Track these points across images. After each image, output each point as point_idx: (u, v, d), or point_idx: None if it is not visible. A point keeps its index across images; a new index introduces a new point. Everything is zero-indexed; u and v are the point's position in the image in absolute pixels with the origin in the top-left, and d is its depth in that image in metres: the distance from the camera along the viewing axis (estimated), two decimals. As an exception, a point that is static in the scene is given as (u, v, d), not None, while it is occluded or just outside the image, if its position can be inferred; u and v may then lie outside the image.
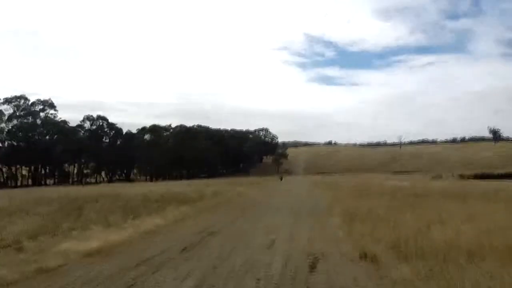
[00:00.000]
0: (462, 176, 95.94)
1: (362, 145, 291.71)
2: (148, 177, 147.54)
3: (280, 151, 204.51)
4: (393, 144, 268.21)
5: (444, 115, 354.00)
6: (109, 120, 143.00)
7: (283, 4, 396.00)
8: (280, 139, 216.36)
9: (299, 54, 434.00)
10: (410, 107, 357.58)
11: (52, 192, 41.30)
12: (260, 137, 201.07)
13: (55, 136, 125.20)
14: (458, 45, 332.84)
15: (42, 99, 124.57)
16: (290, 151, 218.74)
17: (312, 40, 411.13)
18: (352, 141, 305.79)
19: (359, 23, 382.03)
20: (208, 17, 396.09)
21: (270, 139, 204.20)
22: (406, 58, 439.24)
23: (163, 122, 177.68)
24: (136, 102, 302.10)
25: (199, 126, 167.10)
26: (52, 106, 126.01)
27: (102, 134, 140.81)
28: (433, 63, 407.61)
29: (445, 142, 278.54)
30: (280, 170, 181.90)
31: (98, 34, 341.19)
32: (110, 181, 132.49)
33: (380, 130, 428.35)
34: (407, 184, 49.99)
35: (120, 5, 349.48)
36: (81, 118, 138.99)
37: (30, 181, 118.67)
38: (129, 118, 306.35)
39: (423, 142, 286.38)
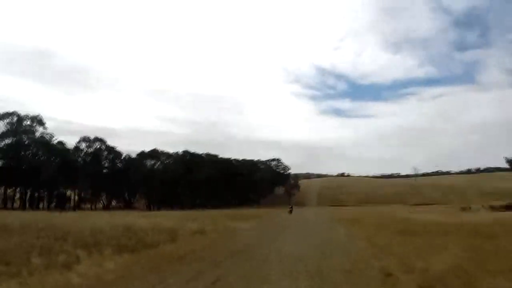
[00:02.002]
0: (493, 208, 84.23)
1: (375, 177, 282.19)
2: (150, 205, 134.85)
3: (292, 181, 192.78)
4: (407, 176, 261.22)
5: (456, 146, 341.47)
6: (107, 143, 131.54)
7: (294, 38, 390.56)
8: (292, 171, 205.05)
9: (311, 87, 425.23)
10: (421, 139, 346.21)
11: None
12: (272, 167, 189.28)
13: (52, 158, 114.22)
14: (467, 76, 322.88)
15: (30, 115, 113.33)
16: (302, 182, 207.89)
17: (324, 73, 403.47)
18: (365, 173, 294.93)
19: (369, 56, 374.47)
20: (222, 49, 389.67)
21: (282, 170, 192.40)
22: (416, 90, 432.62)
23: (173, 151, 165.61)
24: (148, 131, 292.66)
25: (207, 154, 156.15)
26: (41, 123, 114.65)
27: (99, 157, 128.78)
28: (443, 94, 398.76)
29: (460, 173, 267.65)
30: (292, 201, 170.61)
31: (114, 62, 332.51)
32: (106, 207, 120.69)
33: (392, 161, 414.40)
34: (441, 218, 42.44)
35: (135, 31, 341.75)
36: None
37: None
38: (141, 147, 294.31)
39: (437, 173, 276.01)
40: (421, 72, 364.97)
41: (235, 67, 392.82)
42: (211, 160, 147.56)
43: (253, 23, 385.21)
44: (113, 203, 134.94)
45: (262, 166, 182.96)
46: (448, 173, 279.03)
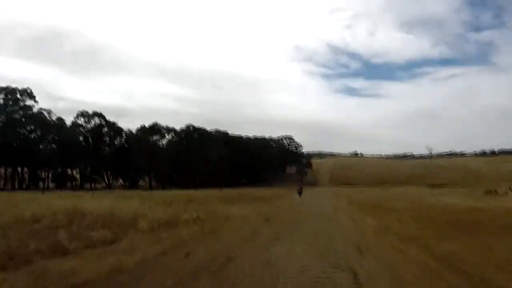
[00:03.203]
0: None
1: (388, 157, 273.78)
2: (152, 183, 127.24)
3: (304, 160, 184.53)
4: (421, 157, 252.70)
5: (469, 128, 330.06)
6: (108, 119, 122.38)
7: (306, 16, 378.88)
8: (305, 150, 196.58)
9: (324, 65, 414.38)
10: (434, 119, 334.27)
11: None
12: (284, 145, 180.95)
13: (50, 135, 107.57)
14: (481, 57, 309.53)
15: (20, 88, 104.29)
16: (314, 161, 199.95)
17: (336, 51, 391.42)
18: (377, 153, 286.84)
19: (382, 35, 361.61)
20: (235, 27, 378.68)
21: (294, 148, 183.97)
22: (430, 70, 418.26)
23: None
24: (161, 110, 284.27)
25: (216, 131, 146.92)
26: (31, 96, 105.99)
27: (99, 133, 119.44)
28: (457, 75, 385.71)
29: (475, 154, 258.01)
30: (303, 180, 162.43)
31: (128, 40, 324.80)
32: (109, 187, 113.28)
33: (405, 141, 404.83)
34: (474, 202, 35.39)
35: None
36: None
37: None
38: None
39: (451, 154, 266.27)
40: (435, 52, 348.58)
41: (247, 45, 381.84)
42: (219, 137, 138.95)
43: (268, 1, 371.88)
44: (120, 181, 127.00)
45: (274, 144, 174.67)
46: (462, 154, 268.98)
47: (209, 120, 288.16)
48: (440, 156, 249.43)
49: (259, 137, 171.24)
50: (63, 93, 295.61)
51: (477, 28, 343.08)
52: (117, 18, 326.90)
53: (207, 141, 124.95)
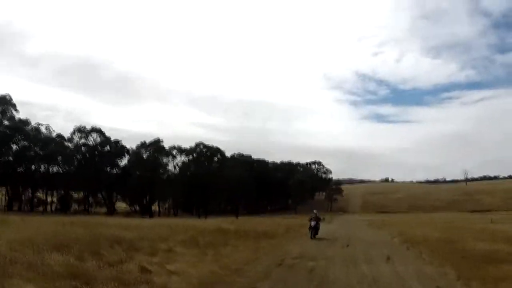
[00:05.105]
0: None
1: (419, 182, 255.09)
2: (170, 210, 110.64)
3: (333, 186, 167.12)
4: (453, 181, 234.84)
5: (501, 150, 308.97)
6: (107, 135, 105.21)
7: (334, 45, 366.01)
8: (334, 177, 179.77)
9: (352, 93, 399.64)
10: (465, 143, 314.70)
11: None
12: (312, 170, 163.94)
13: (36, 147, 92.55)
14: (509, 79, 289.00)
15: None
16: (344, 188, 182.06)
17: (364, 78, 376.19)
18: (409, 178, 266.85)
19: (409, 61, 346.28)
20: (266, 58, 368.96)
21: (323, 173, 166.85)
22: (458, 94, 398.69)
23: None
24: (192, 138, 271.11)
25: (239, 154, 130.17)
26: (11, 104, 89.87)
27: (96, 151, 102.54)
28: (486, 98, 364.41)
29: (510, 177, 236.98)
30: (331, 207, 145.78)
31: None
32: (110, 213, 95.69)
33: (436, 166, 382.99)
34: None
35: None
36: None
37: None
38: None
39: (486, 178, 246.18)
40: (462, 76, 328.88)
41: (278, 74, 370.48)
42: (242, 160, 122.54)
43: (295, 31, 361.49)
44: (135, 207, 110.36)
45: (301, 170, 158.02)
46: (496, 178, 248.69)
47: (239, 148, 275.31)
48: (474, 180, 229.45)
49: (286, 162, 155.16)
50: (96, 121, 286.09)
51: (504, 50, 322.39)
52: (149, 48, 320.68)
53: (223, 163, 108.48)
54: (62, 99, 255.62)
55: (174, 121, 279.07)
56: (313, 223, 28.16)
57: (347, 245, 22.65)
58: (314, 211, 30.05)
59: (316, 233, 27.97)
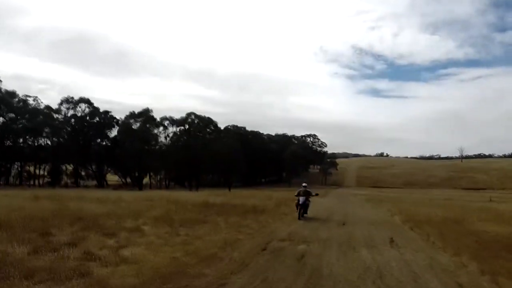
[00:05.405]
0: None
1: (414, 158, 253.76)
2: (163, 182, 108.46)
3: (328, 160, 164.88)
4: (447, 158, 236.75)
5: (497, 129, 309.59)
6: (96, 105, 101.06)
7: (331, 18, 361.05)
8: (329, 151, 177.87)
9: (348, 67, 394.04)
10: (460, 121, 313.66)
11: None
12: (307, 143, 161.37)
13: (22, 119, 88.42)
14: (507, 58, 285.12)
15: None
16: (339, 161, 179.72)
17: (361, 52, 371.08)
18: (403, 154, 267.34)
19: (406, 37, 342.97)
20: (261, 30, 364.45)
21: (318, 146, 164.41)
22: (455, 71, 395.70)
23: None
24: (187, 110, 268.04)
25: (234, 126, 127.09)
26: None
27: (86, 122, 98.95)
28: (483, 76, 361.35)
29: (504, 156, 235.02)
30: (328, 181, 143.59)
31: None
32: (100, 186, 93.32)
33: (431, 143, 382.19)
34: None
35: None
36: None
37: None
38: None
39: (480, 156, 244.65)
40: (460, 53, 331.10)
41: (273, 47, 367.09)
42: (235, 132, 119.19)
43: (292, 3, 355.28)
44: (127, 180, 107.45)
45: (296, 142, 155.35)
46: (490, 156, 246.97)
47: (234, 120, 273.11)
48: (469, 158, 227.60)
49: (281, 134, 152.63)
50: (91, 94, 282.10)
51: (503, 29, 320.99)
52: (143, 22, 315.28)
53: (216, 134, 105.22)
54: (57, 73, 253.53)
55: (170, 94, 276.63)
56: (301, 199, 22.55)
57: (343, 224, 19.93)
58: (303, 184, 24.42)
59: (305, 212, 22.77)
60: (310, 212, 23.55)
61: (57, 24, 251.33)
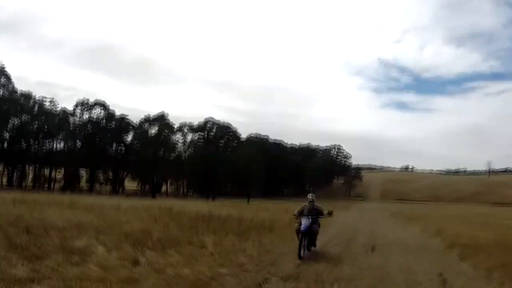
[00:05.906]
0: None
1: (440, 172, 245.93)
2: (180, 190, 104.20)
3: (353, 172, 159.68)
4: (474, 172, 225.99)
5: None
6: (112, 110, 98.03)
7: (357, 32, 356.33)
8: (354, 163, 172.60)
9: (374, 79, 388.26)
10: (487, 135, 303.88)
11: None
12: (331, 155, 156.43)
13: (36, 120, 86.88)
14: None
15: None
16: (364, 174, 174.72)
17: (386, 65, 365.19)
18: (429, 168, 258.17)
19: (431, 50, 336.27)
20: (288, 43, 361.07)
21: (342, 158, 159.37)
22: (481, 85, 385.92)
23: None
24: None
25: (256, 136, 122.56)
26: (2, 73, 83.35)
27: (102, 126, 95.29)
28: (509, 90, 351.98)
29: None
30: (352, 193, 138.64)
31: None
32: (115, 192, 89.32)
33: (457, 157, 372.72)
34: None
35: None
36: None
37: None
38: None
39: (507, 171, 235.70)
40: (485, 67, 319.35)
41: (299, 60, 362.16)
42: (257, 142, 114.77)
43: (317, 17, 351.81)
44: (145, 187, 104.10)
45: (320, 154, 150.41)
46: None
47: (258, 131, 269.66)
48: (496, 173, 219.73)
49: (304, 145, 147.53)
50: (117, 101, 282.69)
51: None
52: (168, 33, 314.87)
53: (236, 143, 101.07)
54: (82, 80, 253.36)
55: (192, 104, 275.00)
56: (304, 222, 13.10)
57: (372, 249, 15.29)
58: (309, 196, 14.12)
59: (312, 242, 13.72)
60: (327, 232, 18.51)
61: (82, 34, 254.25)
